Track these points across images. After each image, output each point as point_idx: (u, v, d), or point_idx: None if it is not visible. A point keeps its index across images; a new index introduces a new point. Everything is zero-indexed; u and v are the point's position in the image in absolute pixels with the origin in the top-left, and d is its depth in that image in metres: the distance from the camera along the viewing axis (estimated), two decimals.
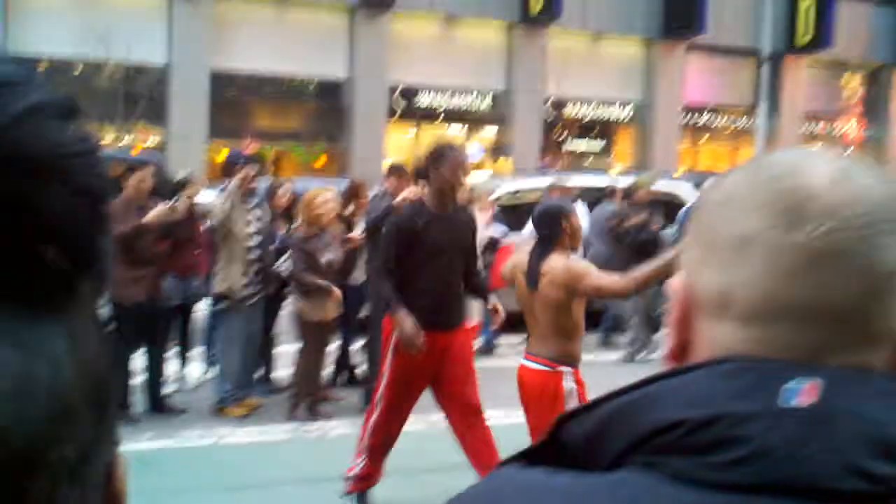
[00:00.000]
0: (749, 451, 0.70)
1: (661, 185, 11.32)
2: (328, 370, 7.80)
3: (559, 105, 20.52)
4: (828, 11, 21.21)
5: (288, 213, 7.94)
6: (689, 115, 22.21)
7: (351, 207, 7.83)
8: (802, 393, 0.71)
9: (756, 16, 19.15)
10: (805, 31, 21.50)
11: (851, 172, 0.77)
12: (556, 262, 4.34)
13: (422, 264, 4.92)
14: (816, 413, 0.70)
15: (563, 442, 0.78)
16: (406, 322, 4.85)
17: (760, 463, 0.69)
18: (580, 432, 0.77)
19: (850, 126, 23.91)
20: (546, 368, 4.37)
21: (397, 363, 5.02)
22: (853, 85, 23.89)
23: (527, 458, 0.80)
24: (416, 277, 4.92)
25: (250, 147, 15.87)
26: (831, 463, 0.69)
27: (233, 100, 18.16)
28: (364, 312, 7.74)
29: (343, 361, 8.25)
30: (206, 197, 8.01)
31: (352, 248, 7.51)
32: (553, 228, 4.41)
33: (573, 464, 0.76)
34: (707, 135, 23.18)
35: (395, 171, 7.77)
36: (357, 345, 8.04)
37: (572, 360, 4.42)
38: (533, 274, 4.38)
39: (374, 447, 5.14)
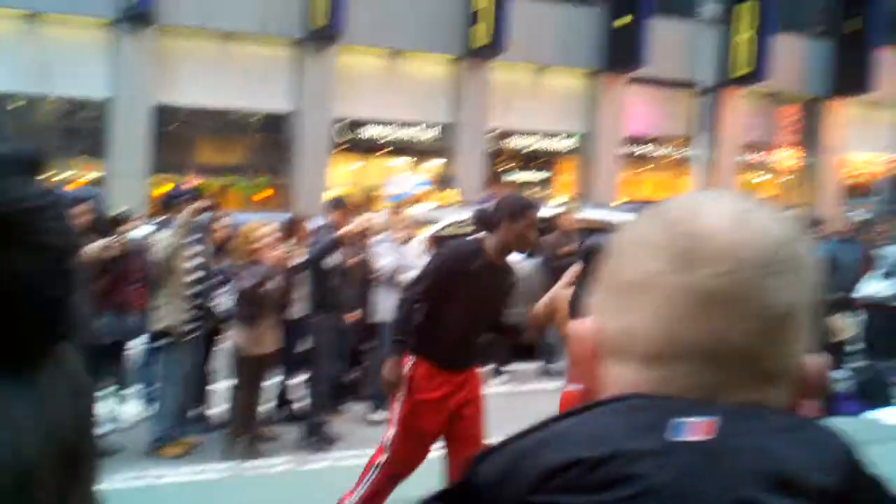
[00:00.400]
0: (640, 488, 0.71)
1: (598, 215, 11.49)
2: (266, 406, 7.72)
3: (503, 137, 20.75)
4: (763, 45, 21.79)
5: (223, 247, 7.88)
6: (631, 145, 22.59)
7: (291, 241, 7.80)
8: (695, 429, 0.72)
9: (694, 49, 19.61)
10: (741, 64, 22.07)
11: (748, 215, 0.79)
12: None
13: (458, 305, 4.70)
14: (711, 449, 0.71)
15: (477, 482, 0.79)
16: (393, 368, 4.72)
17: (651, 500, 0.70)
18: (492, 472, 0.78)
19: (787, 156, 24.50)
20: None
21: (409, 403, 4.73)
22: (789, 116, 24.51)
23: (442, 499, 0.81)
24: (447, 315, 4.71)
25: (192, 181, 15.75)
26: (723, 498, 0.70)
27: (175, 134, 18.02)
28: (303, 346, 7.69)
29: (283, 397, 8.18)
30: (145, 232, 7.92)
31: (290, 281, 7.48)
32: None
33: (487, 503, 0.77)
34: (648, 165, 23.58)
35: (337, 204, 7.77)
36: (297, 380, 7.98)
37: None
38: (579, 305, 4.56)
39: (369, 498, 4.75)
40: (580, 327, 0.84)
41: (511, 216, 4.64)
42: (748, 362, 0.76)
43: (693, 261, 0.76)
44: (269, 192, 19.07)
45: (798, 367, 0.79)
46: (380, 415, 8.04)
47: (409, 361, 4.75)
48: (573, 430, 0.76)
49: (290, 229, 7.93)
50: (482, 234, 4.93)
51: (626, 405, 0.76)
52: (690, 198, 0.83)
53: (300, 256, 7.52)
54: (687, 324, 0.75)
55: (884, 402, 9.13)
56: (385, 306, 8.16)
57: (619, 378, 0.79)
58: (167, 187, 12.82)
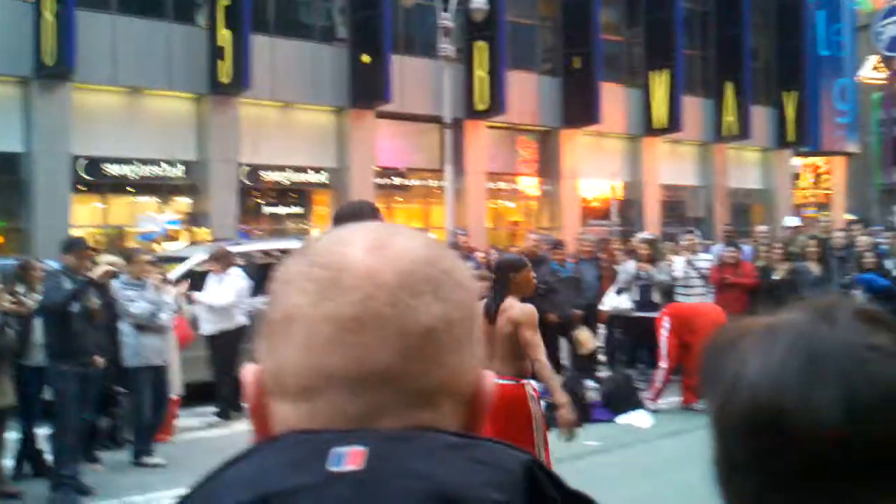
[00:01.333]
0: None
1: None
2: (6, 461, 7.29)
3: (255, 172, 20.66)
4: (499, 81, 23.21)
5: None
6: (383, 177, 23.20)
7: (20, 287, 7.42)
8: (349, 458, 0.73)
9: (437, 85, 20.51)
10: (481, 99, 23.36)
11: (384, 241, 0.81)
12: (511, 303, 5.49)
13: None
14: (363, 478, 0.72)
15: None
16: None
17: None
18: None
19: (528, 183, 26.09)
20: (511, 382, 5.29)
21: None
22: (527, 146, 26.15)
23: None
24: None
25: None
26: None
27: None
28: (47, 395, 7.35)
29: (28, 450, 7.74)
30: None
31: (26, 328, 7.14)
32: (504, 277, 5.61)
33: None
34: (400, 195, 24.31)
35: (72, 246, 7.50)
36: (43, 430, 7.59)
37: (527, 375, 5.52)
38: (490, 311, 5.41)
39: None
40: (245, 372, 0.83)
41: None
42: (396, 385, 0.76)
43: (331, 291, 0.77)
44: (1, 237, 17.83)
45: (465, 384, 0.80)
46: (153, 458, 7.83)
47: None
48: (236, 475, 0.76)
49: (21, 274, 7.56)
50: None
51: (286, 442, 0.76)
52: (334, 232, 0.85)
53: (33, 302, 7.19)
54: (330, 353, 0.76)
55: (631, 407, 9.99)
56: (141, 350, 7.98)
57: (280, 417, 0.79)
58: None
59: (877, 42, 45.71)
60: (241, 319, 10.07)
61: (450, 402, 0.79)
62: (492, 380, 0.84)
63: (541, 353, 5.48)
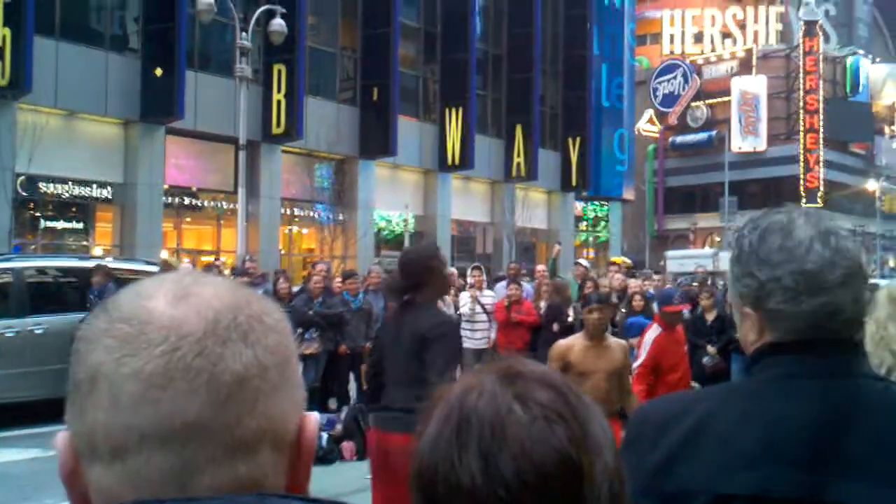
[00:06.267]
0: None
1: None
2: None
3: (32, 182, 19.34)
4: (297, 106, 23.09)
5: None
6: (173, 196, 22.41)
7: None
8: None
9: (233, 106, 20.08)
10: (278, 123, 23.14)
11: (190, 290, 0.79)
12: None
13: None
14: None
15: None
16: None
17: None
18: None
19: (323, 211, 25.98)
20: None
21: None
22: (323, 174, 26.11)
23: None
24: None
25: None
26: None
27: None
28: None
29: None
30: None
31: None
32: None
33: None
34: (191, 216, 23.56)
35: None
36: None
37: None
38: None
39: None
40: (56, 440, 0.79)
41: (432, 270, 4.52)
42: (210, 437, 0.74)
43: (135, 346, 0.74)
44: None
45: (285, 431, 0.79)
46: None
47: None
48: None
49: None
50: (411, 297, 4.54)
51: None
52: (135, 285, 0.82)
53: None
54: (138, 410, 0.73)
55: None
56: None
57: (95, 482, 0.75)
58: None
59: (653, 97, 49.51)
60: None
61: (269, 450, 0.77)
62: (314, 423, 0.83)
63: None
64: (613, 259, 20.29)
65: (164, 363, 0.74)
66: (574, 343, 5.81)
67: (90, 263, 11.12)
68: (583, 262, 14.65)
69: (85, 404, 0.75)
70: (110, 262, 12.29)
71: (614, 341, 6.03)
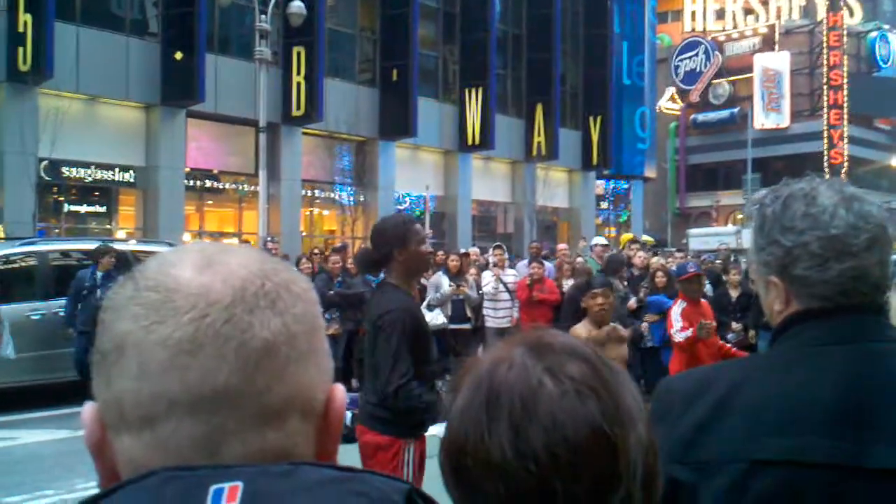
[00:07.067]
0: None
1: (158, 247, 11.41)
2: None
3: (55, 167, 19.50)
4: (317, 88, 23.09)
5: None
6: (194, 179, 22.52)
7: None
8: (228, 496, 0.70)
9: (253, 89, 20.12)
10: (297, 105, 23.15)
11: (217, 258, 0.78)
12: None
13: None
14: None
15: None
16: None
17: None
18: None
19: (344, 192, 26.04)
20: None
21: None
22: (343, 155, 26.13)
23: None
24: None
25: None
26: None
27: None
28: None
29: None
30: None
31: None
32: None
33: None
34: (212, 199, 23.68)
35: None
36: None
37: None
38: None
39: None
40: (83, 411, 0.78)
41: (402, 242, 4.00)
42: (239, 404, 0.74)
43: (163, 313, 0.74)
44: None
45: (313, 400, 0.78)
46: None
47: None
48: None
49: None
50: (379, 275, 4.14)
51: (153, 481, 0.72)
52: (160, 254, 0.81)
53: None
54: (167, 378, 0.73)
55: (438, 419, 10.11)
56: None
57: (123, 451, 0.76)
58: None
59: (674, 75, 49.09)
60: None
61: (298, 418, 0.77)
62: (342, 393, 0.82)
63: None
64: (625, 236, 20.01)
65: (192, 330, 0.73)
66: (580, 333, 5.38)
67: (114, 246, 11.18)
68: (601, 239, 14.48)
69: (112, 373, 0.75)
70: (132, 245, 12.38)
71: (620, 329, 5.70)
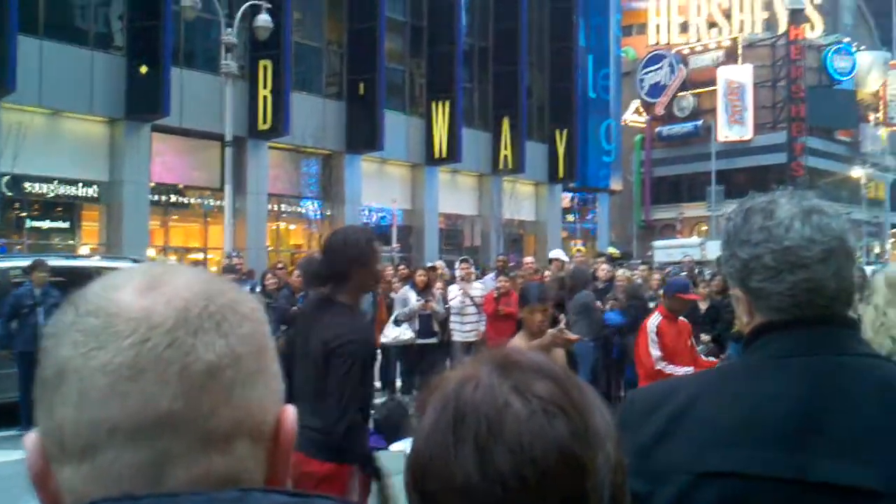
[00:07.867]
0: None
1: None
2: None
3: (17, 182, 19.24)
4: (283, 102, 23.02)
5: None
6: (159, 194, 22.33)
7: None
8: None
9: (219, 102, 20.00)
10: (264, 119, 23.06)
11: (160, 280, 0.76)
12: None
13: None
14: None
15: None
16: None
17: None
18: None
19: (310, 206, 25.95)
20: None
21: None
22: (310, 169, 26.06)
23: None
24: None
25: None
26: None
27: None
28: None
29: None
30: None
31: None
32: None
33: None
34: (178, 213, 23.49)
35: None
36: None
37: None
38: None
39: None
40: (25, 441, 0.75)
41: (366, 263, 3.70)
42: (183, 429, 0.71)
43: (103, 338, 0.72)
44: None
45: (262, 422, 0.76)
46: None
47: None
48: None
49: None
50: (326, 291, 3.78)
51: None
52: (106, 276, 0.79)
53: None
54: (109, 404, 0.71)
55: (404, 434, 10.04)
56: None
57: (66, 484, 0.73)
58: None
59: (639, 88, 49.59)
60: None
61: (247, 442, 0.74)
62: (293, 415, 0.79)
63: None
64: (581, 248, 20.00)
65: (133, 355, 0.71)
66: (520, 345, 5.00)
67: (78, 262, 11.01)
68: (559, 253, 14.45)
69: (53, 402, 0.73)
70: (96, 261, 12.22)
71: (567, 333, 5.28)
